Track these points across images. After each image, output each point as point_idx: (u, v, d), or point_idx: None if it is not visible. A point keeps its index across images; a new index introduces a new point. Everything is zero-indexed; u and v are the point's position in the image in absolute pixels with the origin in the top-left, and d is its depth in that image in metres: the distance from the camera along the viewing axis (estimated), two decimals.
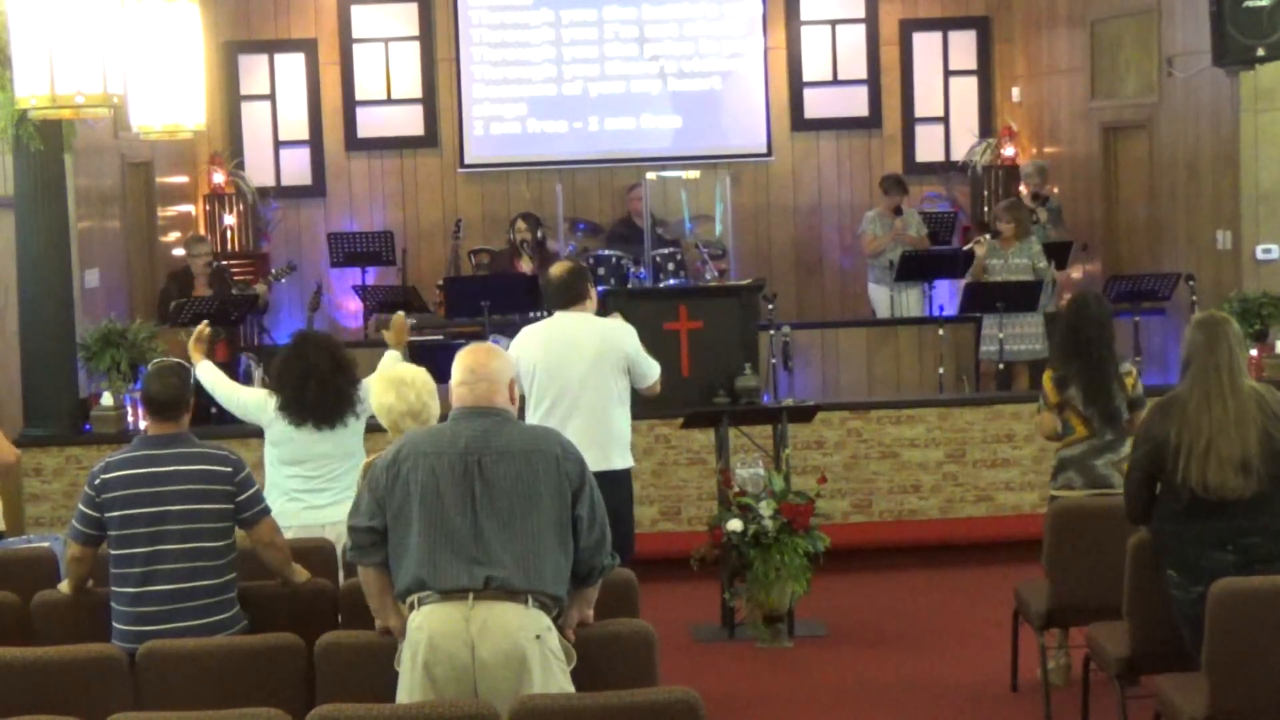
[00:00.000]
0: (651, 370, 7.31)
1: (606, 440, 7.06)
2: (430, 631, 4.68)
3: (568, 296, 7.26)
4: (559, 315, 7.27)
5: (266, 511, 5.69)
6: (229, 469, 5.60)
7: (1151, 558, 5.75)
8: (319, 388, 6.69)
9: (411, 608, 4.77)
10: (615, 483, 6.91)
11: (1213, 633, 5.27)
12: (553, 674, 4.71)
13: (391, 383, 5.68)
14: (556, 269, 7.43)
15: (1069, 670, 7.14)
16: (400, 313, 7.42)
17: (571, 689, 4.74)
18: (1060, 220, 13.04)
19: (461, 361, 4.98)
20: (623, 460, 7.19)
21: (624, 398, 7.25)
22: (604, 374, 7.16)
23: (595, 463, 5.49)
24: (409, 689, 4.71)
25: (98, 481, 5.54)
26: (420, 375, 5.72)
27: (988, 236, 11.79)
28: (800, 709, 7.23)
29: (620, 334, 7.26)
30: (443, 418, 5.21)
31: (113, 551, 5.52)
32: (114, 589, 5.52)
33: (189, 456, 5.57)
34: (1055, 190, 13.54)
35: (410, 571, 4.75)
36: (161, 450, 5.57)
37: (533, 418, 7.02)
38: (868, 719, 7.10)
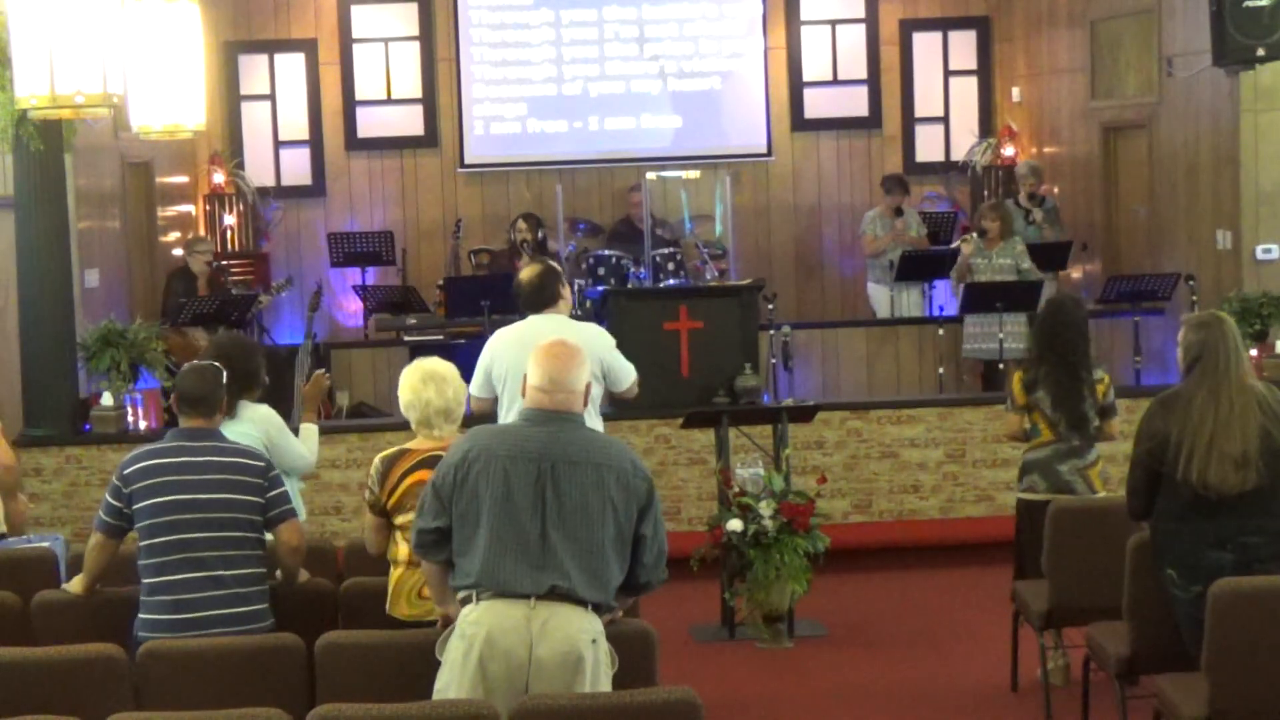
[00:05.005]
0: (627, 374, 7.22)
1: None
2: (489, 628, 4.66)
3: (541, 299, 7.19)
4: (532, 318, 7.18)
5: (293, 513, 5.69)
6: (261, 463, 5.62)
7: (1151, 557, 5.75)
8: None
9: (467, 601, 4.75)
10: None
11: (1213, 633, 5.27)
12: (601, 678, 4.71)
13: (431, 378, 5.65)
14: (527, 272, 7.31)
15: (1069, 670, 7.14)
16: (321, 371, 7.41)
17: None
18: (1058, 220, 13.01)
19: (542, 366, 4.90)
20: None
21: (596, 402, 7.10)
22: None
23: None
24: (456, 682, 4.67)
25: (126, 472, 5.55)
26: (456, 375, 5.73)
27: (974, 235, 11.81)
28: (800, 709, 7.23)
29: (594, 338, 7.18)
30: (472, 419, 5.13)
31: (143, 543, 5.51)
32: (145, 580, 5.50)
33: (221, 449, 5.60)
34: (1055, 190, 13.54)
35: (474, 570, 4.74)
36: (193, 443, 5.59)
37: (505, 418, 6.94)
38: (867, 719, 7.10)
